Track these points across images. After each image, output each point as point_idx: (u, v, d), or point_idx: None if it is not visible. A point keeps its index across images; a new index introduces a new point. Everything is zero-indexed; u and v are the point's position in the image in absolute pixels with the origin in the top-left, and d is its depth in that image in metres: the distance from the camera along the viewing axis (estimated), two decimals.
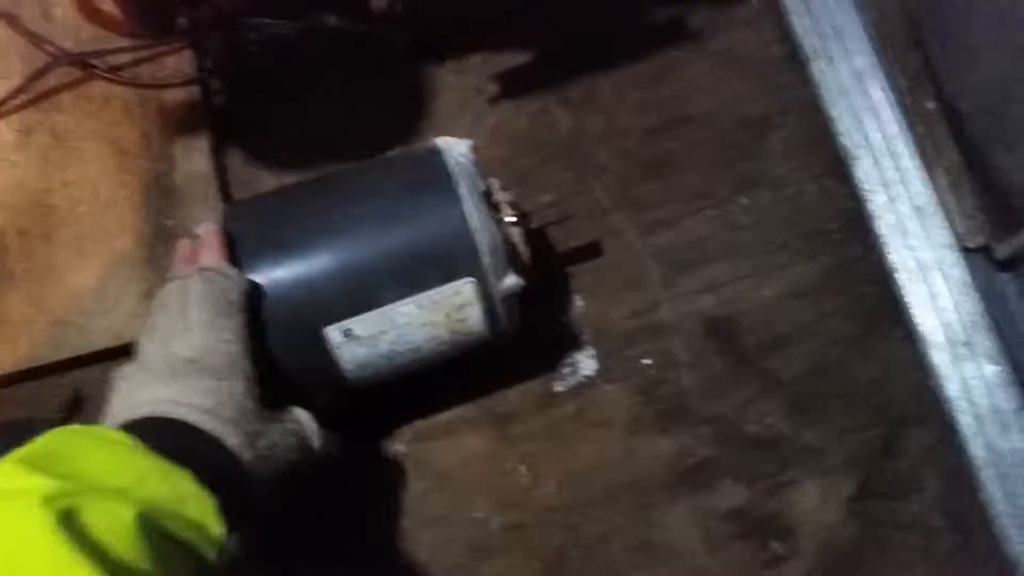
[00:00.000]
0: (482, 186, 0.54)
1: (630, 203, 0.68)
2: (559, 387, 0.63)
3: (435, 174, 0.53)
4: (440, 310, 0.52)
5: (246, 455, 0.44)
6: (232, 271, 0.49)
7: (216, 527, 0.39)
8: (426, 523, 0.59)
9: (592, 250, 0.66)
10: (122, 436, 0.40)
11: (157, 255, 0.63)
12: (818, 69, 0.69)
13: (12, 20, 0.69)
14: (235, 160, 0.68)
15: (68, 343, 0.61)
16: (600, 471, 0.60)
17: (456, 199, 0.52)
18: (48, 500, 0.34)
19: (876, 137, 0.67)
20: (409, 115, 0.70)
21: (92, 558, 0.32)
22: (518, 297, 0.54)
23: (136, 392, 0.45)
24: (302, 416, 0.49)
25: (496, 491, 0.60)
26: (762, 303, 0.64)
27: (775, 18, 0.72)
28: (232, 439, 0.43)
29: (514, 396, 0.62)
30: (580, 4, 0.73)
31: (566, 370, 0.63)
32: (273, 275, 0.50)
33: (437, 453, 0.61)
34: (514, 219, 0.55)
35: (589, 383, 0.63)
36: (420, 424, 0.61)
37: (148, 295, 0.60)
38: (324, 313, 0.50)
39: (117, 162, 0.65)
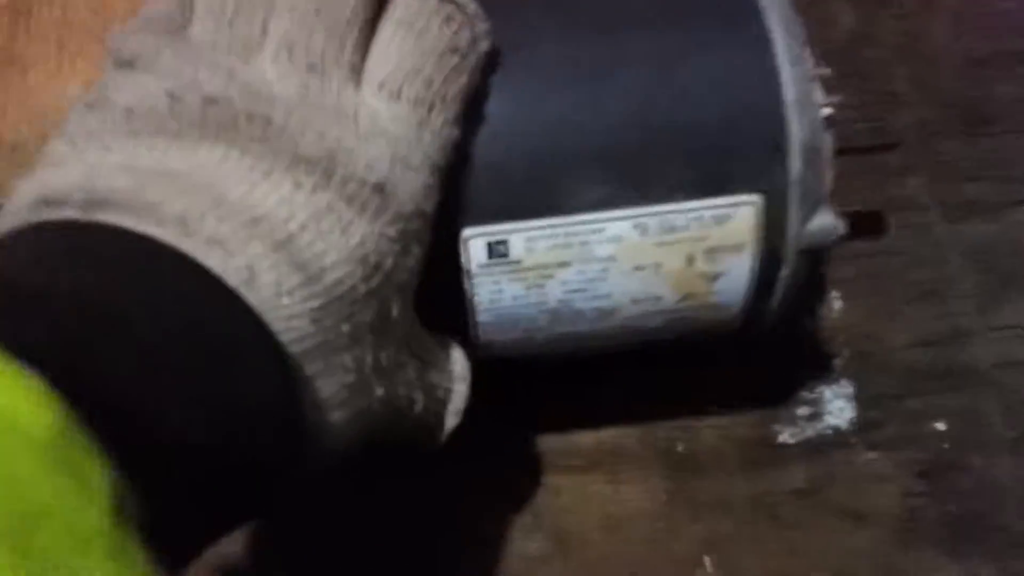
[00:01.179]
0: (802, 35, 0.29)
1: (935, 166, 0.42)
2: (787, 437, 0.37)
3: None
4: (680, 245, 0.26)
5: (330, 392, 0.21)
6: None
7: None
8: None
9: (870, 224, 0.40)
10: None
11: None
12: None
13: None
14: None
15: None
16: None
17: (764, 40, 0.27)
18: None
19: None
20: None
21: None
22: (821, 258, 0.29)
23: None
24: (458, 362, 0.25)
25: None
26: None
27: None
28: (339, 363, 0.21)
29: (709, 435, 0.37)
30: None
31: (802, 411, 0.37)
32: None
33: (568, 499, 0.35)
34: (830, 111, 0.29)
35: (838, 441, 0.37)
36: (549, 443, 0.36)
37: None
38: (469, 204, 0.24)
39: None
